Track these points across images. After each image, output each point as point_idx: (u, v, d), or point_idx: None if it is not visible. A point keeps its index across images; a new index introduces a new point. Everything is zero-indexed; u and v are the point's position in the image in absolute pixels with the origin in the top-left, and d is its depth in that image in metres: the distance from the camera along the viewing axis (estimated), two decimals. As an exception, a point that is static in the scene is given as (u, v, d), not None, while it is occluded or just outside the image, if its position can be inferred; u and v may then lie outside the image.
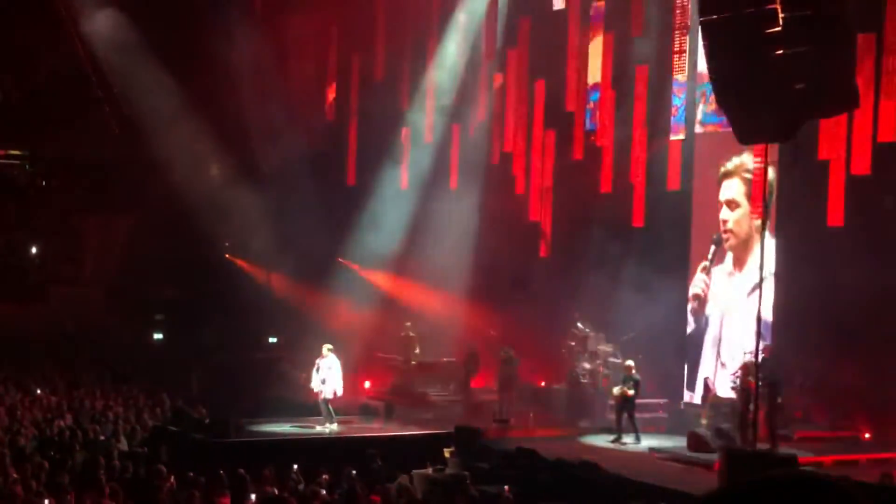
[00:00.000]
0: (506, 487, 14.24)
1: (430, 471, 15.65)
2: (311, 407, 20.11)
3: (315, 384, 19.63)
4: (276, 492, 12.91)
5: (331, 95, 27.58)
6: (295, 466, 14.92)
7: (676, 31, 20.67)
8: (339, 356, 19.87)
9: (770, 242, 19.30)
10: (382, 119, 26.23)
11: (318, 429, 19.49)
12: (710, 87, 16.68)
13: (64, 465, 14.68)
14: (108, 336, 28.72)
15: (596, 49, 22.49)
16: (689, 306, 21.91)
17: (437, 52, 25.36)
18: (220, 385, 23.51)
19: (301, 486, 13.59)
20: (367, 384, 24.15)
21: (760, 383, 16.40)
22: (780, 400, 17.63)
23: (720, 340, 21.27)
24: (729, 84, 12.27)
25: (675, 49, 20.68)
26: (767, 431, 17.15)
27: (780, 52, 11.43)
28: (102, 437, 17.99)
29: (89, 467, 14.21)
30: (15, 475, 13.01)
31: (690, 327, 21.93)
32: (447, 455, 16.67)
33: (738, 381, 18.43)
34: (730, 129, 13.65)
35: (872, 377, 18.35)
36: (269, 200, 27.21)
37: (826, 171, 17.74)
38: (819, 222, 17.91)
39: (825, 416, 19.72)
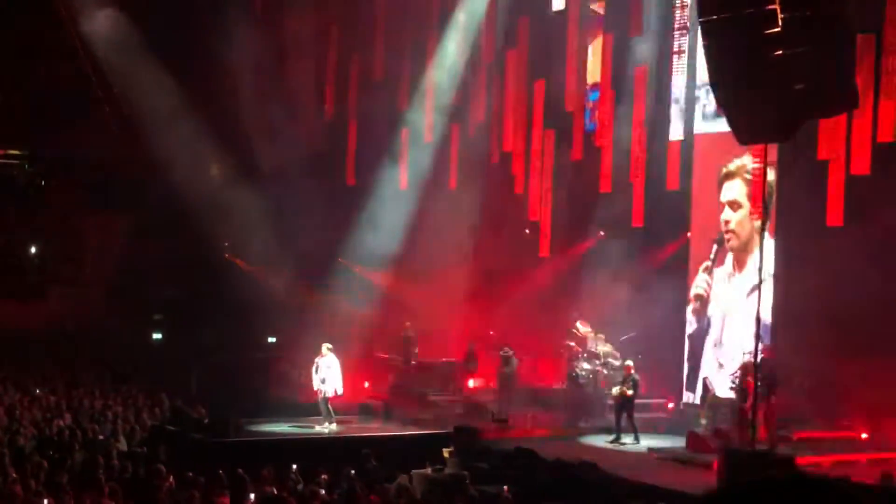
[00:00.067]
0: (505, 487, 14.24)
1: (429, 471, 15.65)
2: (310, 407, 20.11)
3: (315, 383, 19.64)
4: (275, 492, 12.91)
5: (330, 95, 27.57)
6: (294, 466, 14.92)
7: (676, 32, 20.68)
8: (338, 356, 19.88)
9: (770, 243, 19.31)
10: (382, 119, 26.22)
11: (318, 429, 19.50)
12: (709, 87, 16.69)
13: (63, 464, 14.69)
14: (107, 336, 28.72)
15: (595, 49, 22.50)
16: (691, 306, 21.90)
17: (436, 52, 25.35)
18: (220, 385, 23.50)
19: (300, 486, 13.59)
20: (366, 384, 24.12)
21: (759, 383, 16.40)
22: (773, 399, 17.61)
23: (721, 342, 21.27)
24: (728, 84, 12.27)
25: (675, 50, 20.68)
26: (766, 432, 17.15)
27: (780, 52, 11.43)
28: (101, 437, 18.00)
29: (88, 467, 14.21)
30: (14, 475, 13.01)
31: (692, 327, 21.92)
32: (446, 455, 16.69)
33: (737, 381, 18.43)
34: (729, 130, 13.65)
35: (871, 378, 18.34)
36: (268, 200, 27.20)
37: (825, 171, 17.75)
38: (818, 222, 17.91)
39: (824, 417, 19.72)
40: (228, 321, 27.45)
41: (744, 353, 18.75)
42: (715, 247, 21.25)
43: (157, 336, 30.77)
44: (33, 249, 32.93)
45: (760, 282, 16.61)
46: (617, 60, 21.90)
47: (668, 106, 21.20)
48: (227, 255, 29.02)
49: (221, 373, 24.85)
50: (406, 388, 23.70)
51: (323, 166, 27.39)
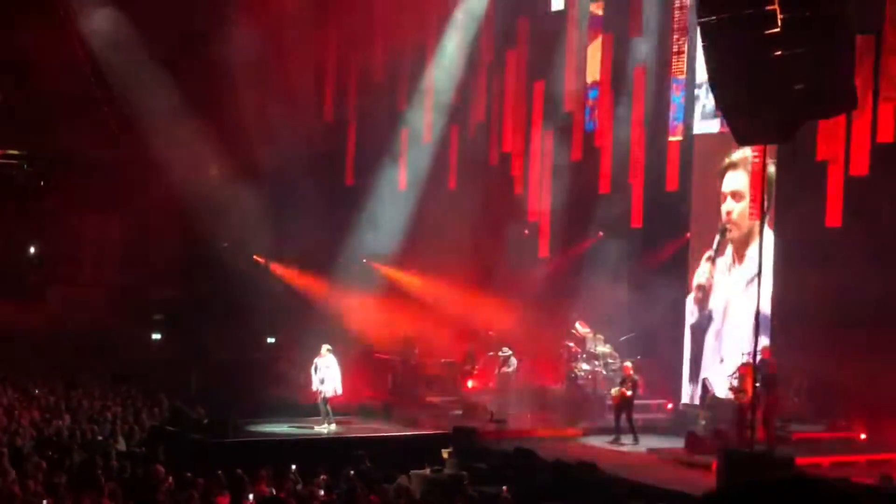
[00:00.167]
0: (504, 488, 14.24)
1: (428, 471, 15.66)
2: (309, 407, 20.11)
3: (314, 384, 19.65)
4: (274, 492, 12.91)
5: (329, 95, 27.56)
6: (293, 467, 14.92)
7: (675, 32, 20.67)
8: (337, 356, 19.87)
9: (769, 242, 19.30)
10: (381, 119, 26.22)
11: (317, 429, 19.50)
12: (708, 87, 16.70)
13: (62, 465, 14.69)
14: (106, 336, 28.70)
15: (594, 50, 22.50)
16: (693, 296, 21.86)
17: (435, 52, 25.35)
18: (219, 385, 23.52)
19: (299, 487, 13.59)
20: (361, 386, 24.08)
21: (758, 384, 16.41)
22: (772, 400, 17.61)
23: (721, 334, 21.25)
24: (727, 85, 12.27)
25: (674, 50, 20.68)
26: (765, 432, 17.16)
27: (779, 53, 11.42)
28: (100, 438, 18.00)
29: (87, 467, 14.20)
30: (13, 475, 13.00)
31: (693, 317, 21.88)
32: (445, 455, 16.69)
33: (736, 381, 18.44)
34: (728, 130, 13.65)
35: (870, 378, 18.35)
36: (268, 200, 27.19)
37: (824, 171, 17.75)
38: (817, 223, 17.91)
39: (823, 417, 19.74)
40: (228, 322, 27.45)
41: (743, 354, 18.76)
42: (718, 237, 21.24)
43: (156, 336, 30.75)
44: (32, 249, 32.92)
45: (760, 278, 16.55)
46: (616, 61, 21.91)
47: (668, 106, 21.20)
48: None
49: (221, 373, 24.87)
50: (405, 389, 23.70)
51: (322, 166, 27.39)
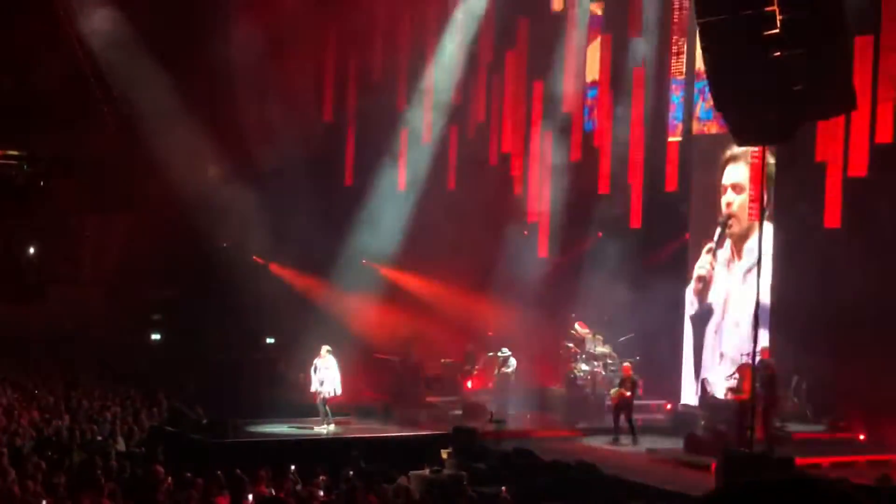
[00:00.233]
0: (503, 488, 14.25)
1: (427, 472, 15.66)
2: (308, 408, 20.11)
3: (313, 385, 19.65)
4: (273, 492, 12.91)
5: (329, 96, 27.57)
6: (293, 467, 14.93)
7: (674, 33, 20.68)
8: (337, 357, 19.87)
9: (768, 242, 19.30)
10: (381, 119, 26.22)
11: (316, 429, 19.49)
12: (707, 88, 16.70)
13: (61, 465, 14.69)
14: (106, 336, 28.72)
15: (594, 50, 22.51)
16: (693, 287, 21.85)
17: (435, 52, 25.36)
18: (218, 385, 23.51)
19: (298, 487, 13.60)
20: (360, 386, 24.07)
21: (757, 385, 16.41)
22: (771, 400, 17.63)
23: (722, 331, 21.25)
24: (727, 86, 12.28)
25: (674, 51, 20.69)
26: (764, 433, 17.17)
27: (778, 54, 11.44)
28: (100, 438, 18.00)
29: (87, 468, 14.21)
30: (13, 475, 13.00)
31: (693, 308, 21.86)
32: (444, 456, 16.69)
33: (735, 382, 18.45)
34: (727, 131, 13.66)
35: (869, 379, 18.36)
36: (267, 201, 27.19)
37: (823, 172, 17.77)
38: (816, 224, 17.93)
39: (822, 418, 19.75)
40: (227, 322, 27.45)
41: (742, 355, 18.77)
42: (718, 230, 21.24)
43: (155, 336, 30.76)
44: (32, 250, 32.93)
45: (759, 270, 16.53)
46: (616, 61, 21.92)
47: (667, 107, 21.22)
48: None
49: (220, 373, 24.86)
50: (405, 389, 23.69)
51: (321, 167, 27.39)
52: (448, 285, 25.79)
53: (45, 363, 26.55)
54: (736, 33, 11.65)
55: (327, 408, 19.58)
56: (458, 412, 21.81)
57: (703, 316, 21.70)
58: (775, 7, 11.17)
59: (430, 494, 14.43)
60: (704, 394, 20.49)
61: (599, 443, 19.50)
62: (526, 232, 24.22)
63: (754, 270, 17.54)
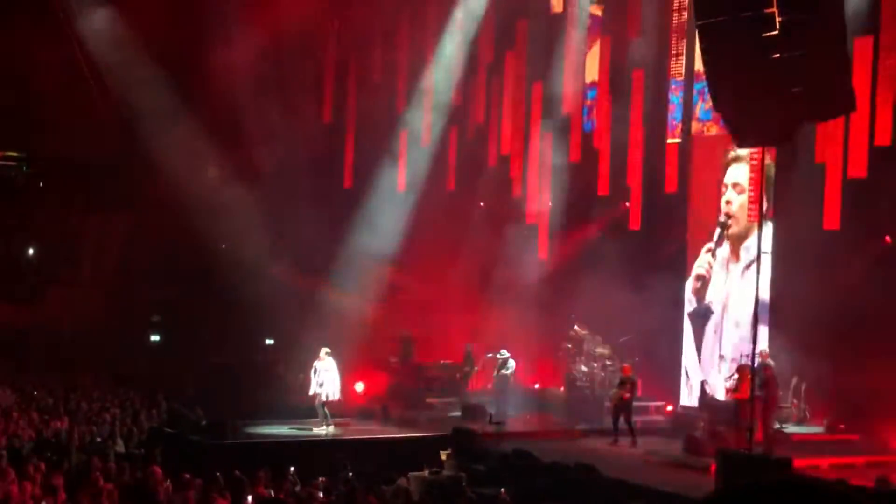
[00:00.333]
0: (502, 490, 14.25)
1: (426, 473, 15.65)
2: (308, 409, 20.10)
3: (313, 387, 19.64)
4: (273, 494, 12.91)
5: (329, 97, 27.57)
6: (292, 468, 14.92)
7: (674, 34, 20.70)
8: (336, 359, 19.86)
9: (767, 243, 19.30)
10: (380, 121, 26.23)
11: (315, 431, 19.49)
12: (707, 90, 16.70)
13: (60, 466, 14.68)
14: (105, 337, 28.70)
15: (593, 52, 22.52)
16: (692, 286, 21.84)
17: (434, 53, 25.37)
18: (217, 387, 23.50)
19: (298, 488, 13.60)
20: (359, 387, 24.04)
21: (756, 386, 16.40)
22: (770, 402, 17.63)
23: (721, 331, 21.25)
24: (726, 88, 12.29)
25: (673, 52, 20.71)
26: (763, 434, 17.16)
27: (778, 55, 11.44)
28: (99, 439, 18.00)
29: (85, 469, 14.20)
30: (12, 476, 13.00)
31: (691, 306, 21.85)
32: (444, 457, 16.68)
33: (733, 384, 18.45)
34: (727, 133, 13.67)
35: (868, 380, 18.36)
36: (266, 202, 27.20)
37: (823, 173, 17.77)
38: (816, 225, 17.93)
39: (822, 419, 19.75)
40: (226, 323, 27.44)
41: (741, 356, 18.77)
42: (718, 230, 21.24)
43: (155, 338, 30.75)
44: (31, 251, 32.92)
45: (758, 266, 16.54)
46: (615, 62, 21.94)
47: (666, 108, 21.23)
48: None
49: (219, 375, 24.85)
50: (404, 390, 23.70)
51: (321, 168, 27.40)
52: (447, 286, 25.79)
53: (44, 365, 26.54)
54: (735, 35, 11.65)
55: (326, 409, 19.58)
56: (458, 413, 21.81)
57: (702, 315, 21.69)
58: (774, 9, 11.17)
59: (429, 495, 14.43)
60: (704, 395, 20.47)
61: (599, 444, 19.48)
62: (525, 232, 24.22)
63: (753, 269, 17.56)
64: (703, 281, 21.65)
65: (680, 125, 21.20)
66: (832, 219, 17.67)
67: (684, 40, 20.37)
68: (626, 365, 20.12)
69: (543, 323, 23.93)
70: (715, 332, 21.40)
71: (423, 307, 26.17)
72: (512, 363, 22.03)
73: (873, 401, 18.61)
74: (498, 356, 22.12)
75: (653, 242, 22.58)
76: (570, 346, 22.83)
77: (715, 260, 21.39)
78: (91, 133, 28.58)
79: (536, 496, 14.64)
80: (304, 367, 21.11)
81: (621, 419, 19.43)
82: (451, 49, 25.11)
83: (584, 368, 22.21)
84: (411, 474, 15.40)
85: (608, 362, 22.11)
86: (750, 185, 20.12)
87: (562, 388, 23.20)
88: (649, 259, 22.61)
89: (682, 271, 22.20)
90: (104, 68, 26.98)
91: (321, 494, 13.13)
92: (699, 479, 15.93)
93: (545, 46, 23.21)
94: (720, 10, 11.72)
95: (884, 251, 19.15)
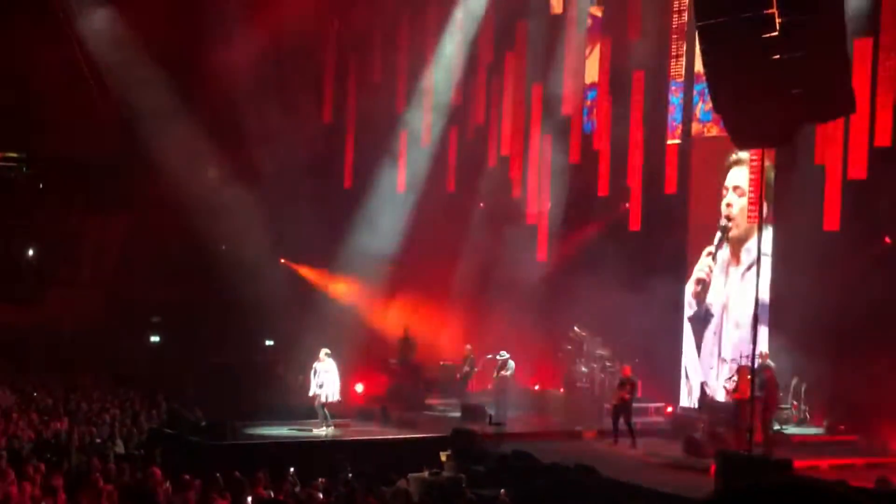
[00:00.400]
0: (502, 491, 14.24)
1: (426, 474, 15.65)
2: (307, 410, 20.10)
3: (313, 388, 19.63)
4: (272, 495, 12.90)
5: (329, 97, 27.57)
6: (291, 469, 14.92)
7: (674, 36, 20.69)
8: (336, 360, 19.86)
9: (767, 245, 19.31)
10: (380, 121, 26.23)
11: (315, 432, 19.48)
12: (707, 91, 16.70)
13: (60, 467, 14.68)
14: (105, 338, 28.69)
15: (593, 53, 22.52)
16: (693, 290, 21.83)
17: (434, 54, 25.37)
18: (217, 388, 23.50)
19: (297, 489, 13.59)
20: (359, 388, 24.04)
21: (755, 387, 16.40)
22: (769, 403, 17.63)
23: (721, 334, 21.24)
24: (726, 89, 12.28)
25: (673, 53, 20.70)
26: (762, 435, 17.17)
27: (777, 56, 11.44)
28: (99, 440, 18.00)
29: (85, 470, 14.20)
30: (11, 477, 13.00)
31: (692, 310, 21.85)
32: (443, 458, 16.68)
33: (733, 385, 18.45)
34: (727, 134, 13.66)
35: (868, 381, 18.37)
36: (266, 203, 27.20)
37: (823, 175, 17.77)
38: (815, 226, 17.93)
39: (821, 421, 19.75)
40: (226, 324, 27.43)
41: (741, 357, 18.77)
42: (718, 233, 21.23)
43: (154, 339, 30.75)
44: (31, 252, 32.91)
45: (758, 268, 16.55)
46: (615, 63, 21.93)
47: (666, 109, 21.22)
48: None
49: (219, 376, 24.84)
50: (404, 391, 23.69)
51: (321, 168, 27.40)
52: (447, 287, 25.78)
53: (44, 365, 26.54)
54: (735, 36, 11.65)
55: (326, 410, 19.57)
56: (457, 415, 21.81)
57: (702, 318, 21.69)
58: (774, 10, 11.17)
59: (429, 497, 14.43)
60: (703, 396, 20.47)
61: (598, 445, 19.48)
62: (525, 234, 24.21)
63: (753, 271, 17.56)
64: (704, 284, 21.64)
65: (680, 126, 21.19)
66: (832, 220, 17.67)
67: (684, 41, 20.37)
68: (626, 366, 20.12)
69: (543, 324, 23.92)
70: (715, 333, 21.40)
71: (423, 308, 26.16)
72: (511, 364, 22.03)
73: (873, 402, 18.61)
74: (498, 357, 22.12)
75: (653, 243, 22.57)
76: (569, 347, 22.83)
77: (715, 263, 21.38)
78: (91, 133, 28.58)
79: (536, 497, 14.63)
80: (304, 369, 21.10)
81: (621, 420, 19.43)
82: (451, 49, 25.11)
83: (583, 369, 22.21)
84: (411, 475, 15.39)
85: (608, 363, 22.11)
86: (750, 186, 20.12)
87: (561, 390, 23.20)
88: (649, 260, 22.60)
89: (682, 272, 22.20)
90: (104, 68, 26.99)
91: (321, 495, 13.13)
92: (699, 480, 15.92)
93: (545, 47, 23.21)
94: (720, 11, 11.72)
95: (884, 252, 19.15)
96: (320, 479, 14.19)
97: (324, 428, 19.49)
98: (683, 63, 20.57)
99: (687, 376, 21.83)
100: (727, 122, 12.95)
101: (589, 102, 22.83)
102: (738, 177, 20.97)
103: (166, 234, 28.52)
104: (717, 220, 21.34)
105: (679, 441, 18.57)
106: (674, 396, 22.04)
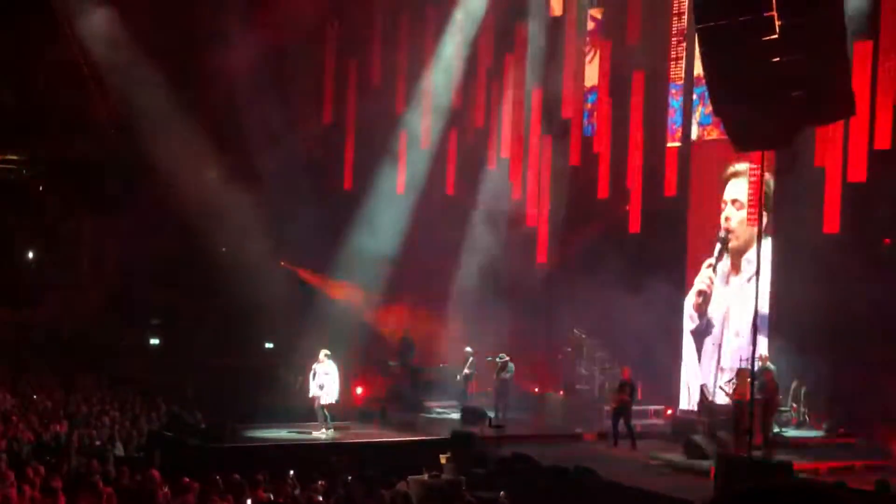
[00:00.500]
0: (501, 493, 14.24)
1: (426, 476, 15.64)
2: (307, 412, 20.10)
3: (312, 390, 19.62)
4: (272, 497, 12.89)
5: (328, 98, 27.58)
6: (291, 472, 14.91)
7: (674, 38, 20.70)
8: (336, 361, 19.85)
9: (767, 248, 19.32)
10: (380, 123, 26.23)
11: (315, 434, 19.48)
12: (706, 93, 16.70)
13: (59, 469, 14.67)
14: (104, 340, 28.68)
15: (593, 55, 22.52)
16: (693, 301, 21.83)
17: (434, 56, 25.38)
18: (217, 390, 23.50)
19: (297, 492, 13.59)
20: (359, 390, 24.04)
21: (755, 390, 16.40)
22: (769, 406, 17.62)
23: (721, 344, 21.24)
24: (726, 91, 12.29)
25: (673, 56, 20.70)
26: (762, 438, 17.16)
27: (777, 59, 11.44)
28: (98, 443, 17.99)
29: (84, 472, 14.19)
30: (11, 479, 12.99)
31: (693, 324, 21.85)
32: (443, 461, 16.67)
33: (733, 387, 18.45)
34: (726, 136, 13.67)
35: (868, 384, 18.36)
36: (266, 205, 27.20)
37: (822, 178, 17.78)
38: (815, 229, 17.94)
39: (821, 423, 19.74)
40: (226, 327, 27.43)
41: (741, 360, 18.77)
42: (718, 245, 21.23)
43: (154, 341, 30.74)
44: (31, 254, 32.91)
45: (758, 280, 16.57)
46: (615, 66, 21.93)
47: (666, 112, 21.23)
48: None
49: (218, 378, 24.84)
50: (403, 394, 23.69)
51: (321, 169, 27.40)
52: (447, 289, 25.78)
53: (43, 368, 26.53)
54: (735, 38, 11.65)
55: (326, 412, 19.56)
56: (457, 417, 21.80)
57: (703, 329, 21.70)
58: (774, 12, 11.17)
59: (428, 499, 14.43)
60: (703, 399, 20.47)
61: (598, 447, 19.47)
62: (524, 237, 24.21)
63: (754, 279, 17.57)
64: (705, 296, 21.65)
65: (680, 129, 21.20)
66: (832, 222, 17.67)
67: (684, 44, 20.38)
68: (625, 368, 20.11)
69: (543, 326, 23.92)
70: (714, 344, 21.39)
71: (423, 310, 26.16)
72: (511, 366, 22.04)
73: (873, 404, 18.61)
74: (497, 360, 22.12)
75: (652, 245, 22.57)
76: (569, 349, 22.83)
77: (716, 275, 21.39)
78: (91, 135, 28.59)
79: (536, 500, 14.63)
80: (304, 371, 21.10)
81: (621, 422, 19.42)
82: (451, 51, 25.12)
83: (583, 372, 22.21)
84: (411, 478, 15.38)
85: (607, 366, 22.11)
86: (750, 189, 20.11)
87: (561, 392, 23.20)
88: (649, 262, 22.61)
89: (682, 273, 22.20)
90: (104, 70, 27.00)
91: (321, 498, 13.12)
92: (698, 482, 15.93)
93: (545, 50, 23.22)
94: (720, 13, 11.72)
95: (883, 255, 19.15)
96: (320, 482, 14.18)
97: (323, 430, 19.48)
98: (683, 66, 20.57)
99: (686, 379, 21.82)
100: (727, 125, 12.95)
101: (589, 105, 22.84)
102: (736, 190, 21.01)
103: (166, 237, 28.51)
104: (717, 224, 21.35)
105: (679, 443, 18.57)
106: (673, 399, 22.03)
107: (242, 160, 27.40)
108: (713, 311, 21.49)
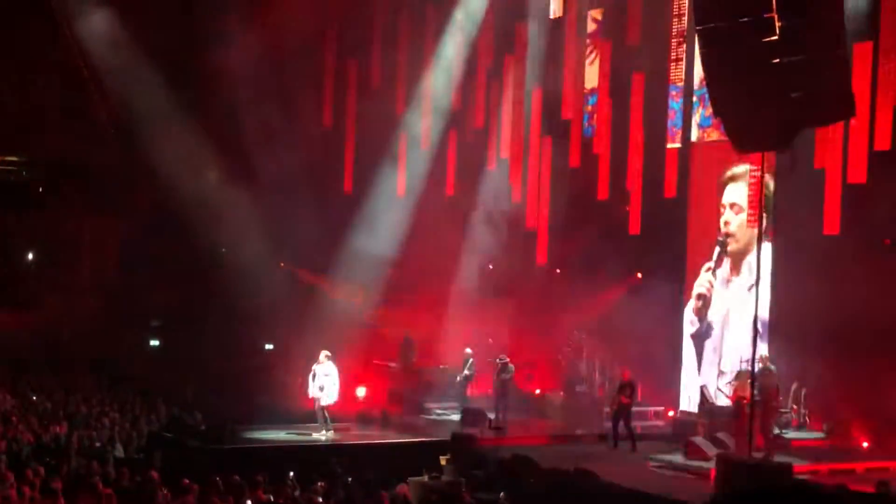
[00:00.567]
0: (501, 495, 14.24)
1: (426, 478, 15.64)
2: (307, 414, 20.09)
3: (312, 391, 19.61)
4: (272, 499, 12.89)
5: (328, 100, 27.57)
6: (291, 473, 14.91)
7: (674, 40, 20.69)
8: (336, 363, 19.85)
9: (767, 250, 19.31)
10: (380, 124, 26.23)
11: (315, 436, 19.47)
12: (706, 94, 16.71)
13: (59, 470, 14.67)
14: (104, 342, 28.67)
15: (593, 56, 22.52)
16: (693, 306, 21.81)
17: (434, 57, 25.38)
18: (217, 392, 23.49)
19: (297, 493, 13.58)
20: (361, 392, 24.01)
21: (756, 392, 16.40)
22: (770, 407, 17.63)
23: (721, 348, 21.24)
24: (726, 92, 12.28)
25: (673, 57, 20.70)
26: (763, 440, 17.16)
27: (777, 60, 11.44)
28: (98, 444, 17.99)
29: (84, 473, 14.19)
30: (11, 481, 12.98)
31: (693, 328, 21.84)
32: (443, 462, 16.66)
33: (733, 389, 18.45)
34: (726, 138, 13.66)
35: (868, 385, 18.36)
36: (266, 206, 27.20)
37: (822, 179, 17.77)
38: (816, 230, 17.93)
39: (822, 425, 19.74)
40: (226, 328, 27.41)
41: (741, 362, 18.77)
42: (717, 249, 21.22)
43: (154, 342, 30.73)
44: (30, 256, 32.90)
45: (757, 286, 16.59)
46: (615, 67, 21.93)
47: (666, 113, 21.22)
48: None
49: (218, 379, 24.83)
50: (403, 395, 23.68)
51: (321, 172, 27.40)
52: (447, 291, 25.77)
53: (43, 369, 26.52)
54: (735, 40, 11.65)
55: (326, 414, 19.55)
56: (457, 418, 21.80)
57: (703, 332, 21.69)
58: (774, 14, 11.17)
59: (428, 501, 14.42)
60: (704, 401, 20.47)
61: (598, 449, 19.46)
62: (524, 238, 24.21)
63: (754, 281, 17.56)
64: (704, 300, 21.64)
65: (680, 131, 21.19)
66: (832, 224, 17.66)
67: (684, 46, 20.36)
68: (625, 369, 20.10)
69: (543, 327, 23.91)
70: (714, 349, 21.38)
71: (423, 311, 26.16)
72: (511, 368, 22.03)
73: (873, 406, 18.61)
74: (497, 361, 22.11)
75: (652, 246, 22.58)
76: (569, 350, 22.82)
77: (715, 279, 21.39)
78: (91, 137, 28.58)
79: (535, 502, 14.62)
80: (304, 372, 21.09)
81: (621, 424, 19.41)
82: (451, 52, 25.12)
83: (583, 373, 22.20)
84: (411, 479, 15.39)
85: (607, 367, 22.11)
86: (750, 190, 20.11)
87: (561, 393, 23.19)
88: (649, 263, 22.62)
89: (682, 274, 22.20)
90: (103, 71, 26.99)
91: (320, 499, 13.12)
92: (699, 484, 15.93)
93: (545, 50, 23.21)
94: (720, 15, 11.72)
95: (884, 256, 19.14)
96: (320, 483, 14.18)
97: (323, 432, 19.48)
98: (683, 67, 20.56)
99: (687, 380, 21.81)
100: (727, 126, 12.94)
101: (589, 107, 22.84)
102: (734, 193, 21.02)
103: (166, 238, 28.51)
104: (717, 225, 21.34)
105: (679, 445, 18.57)
106: (673, 401, 22.02)
107: (242, 161, 27.39)
108: (713, 315, 21.47)
